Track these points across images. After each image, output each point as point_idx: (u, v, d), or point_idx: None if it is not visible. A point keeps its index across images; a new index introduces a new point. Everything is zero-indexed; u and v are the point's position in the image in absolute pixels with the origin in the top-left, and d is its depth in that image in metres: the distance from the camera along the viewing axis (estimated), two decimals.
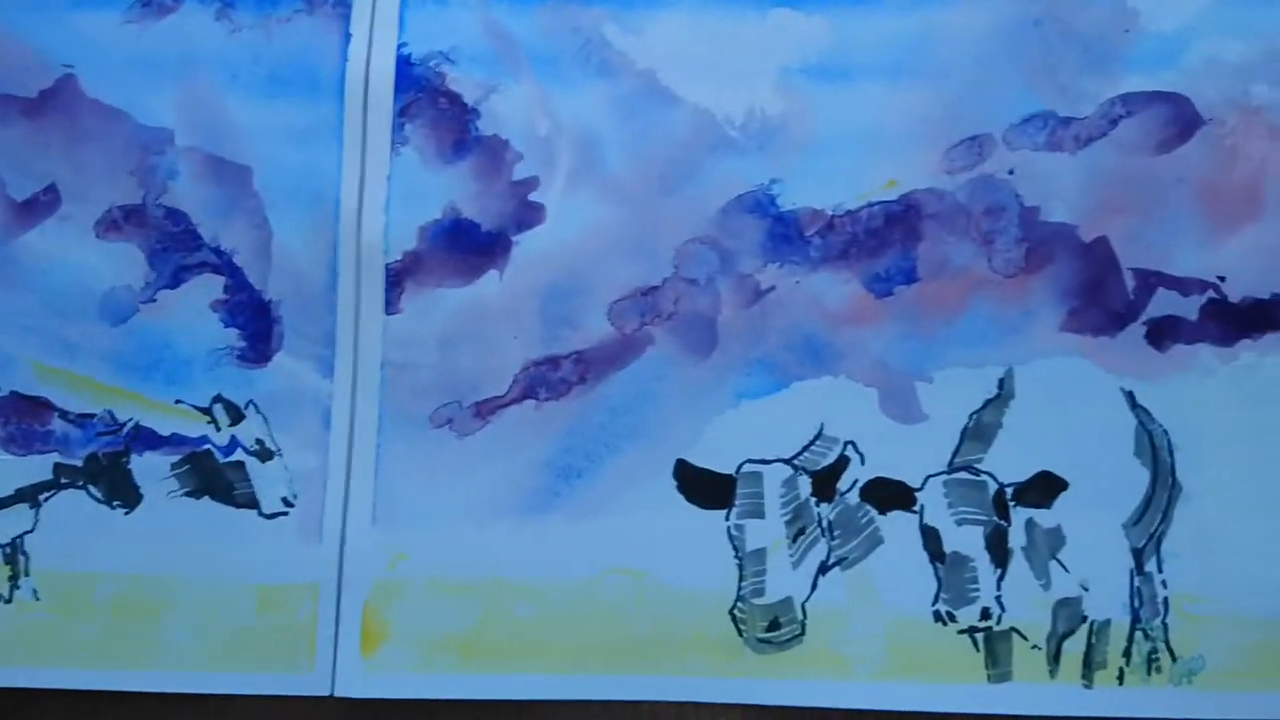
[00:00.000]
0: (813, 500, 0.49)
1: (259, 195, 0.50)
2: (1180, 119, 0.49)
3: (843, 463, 0.49)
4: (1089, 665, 0.47)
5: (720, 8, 0.51)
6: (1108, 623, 0.47)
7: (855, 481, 0.49)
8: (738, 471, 0.49)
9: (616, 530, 0.48)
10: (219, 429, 0.50)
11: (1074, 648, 0.47)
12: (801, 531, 0.49)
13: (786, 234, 0.50)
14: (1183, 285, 0.48)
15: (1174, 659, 0.47)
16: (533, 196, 0.50)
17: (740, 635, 0.48)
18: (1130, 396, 0.48)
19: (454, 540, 0.48)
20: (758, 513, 0.49)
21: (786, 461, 0.49)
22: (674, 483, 0.49)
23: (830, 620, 0.48)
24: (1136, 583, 0.47)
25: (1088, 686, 0.47)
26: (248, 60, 0.51)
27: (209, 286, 0.50)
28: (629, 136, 0.50)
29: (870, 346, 0.49)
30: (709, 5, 0.51)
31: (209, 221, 0.50)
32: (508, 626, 0.48)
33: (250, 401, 0.49)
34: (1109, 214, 0.49)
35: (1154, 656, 0.47)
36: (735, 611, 0.48)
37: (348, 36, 0.50)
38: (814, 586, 0.48)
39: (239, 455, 0.49)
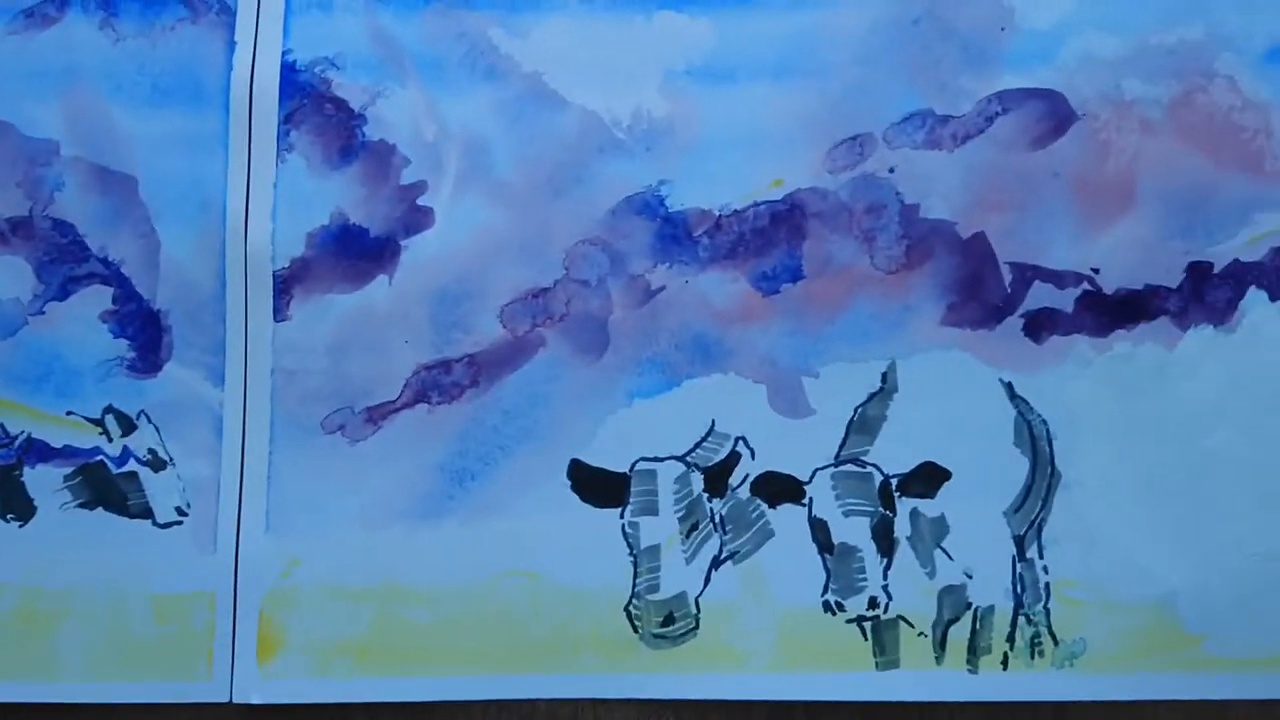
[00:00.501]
0: (705, 496, 0.50)
1: (145, 205, 0.50)
2: (1055, 115, 0.50)
3: (734, 458, 0.50)
4: (974, 651, 0.48)
5: (606, 10, 0.51)
6: (991, 609, 0.49)
7: (746, 476, 0.50)
8: (631, 470, 0.50)
9: (511, 532, 0.49)
10: (111, 440, 0.50)
11: (959, 634, 0.48)
12: (695, 527, 0.49)
13: (675, 234, 0.50)
14: (1058, 278, 0.49)
15: (1056, 643, 0.48)
16: (421, 201, 0.50)
17: (635, 632, 0.49)
18: (1009, 387, 0.49)
19: (348, 546, 0.49)
20: (652, 510, 0.49)
21: (679, 459, 0.50)
22: (568, 483, 0.49)
23: (723, 614, 0.49)
24: (1019, 569, 0.49)
25: (973, 672, 0.48)
26: (132, 70, 0.50)
27: (98, 297, 0.50)
28: (517, 140, 0.50)
29: (758, 344, 0.50)
30: (595, 8, 0.51)
31: (96, 232, 0.50)
32: (403, 630, 0.48)
33: (141, 411, 0.49)
34: (986, 210, 0.50)
35: (1037, 641, 0.48)
36: (630, 608, 0.49)
37: (232, 44, 0.50)
38: (707, 581, 0.49)
39: (132, 466, 0.49)
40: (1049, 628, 0.48)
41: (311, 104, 0.50)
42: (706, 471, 0.50)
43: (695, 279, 0.50)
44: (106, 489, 0.49)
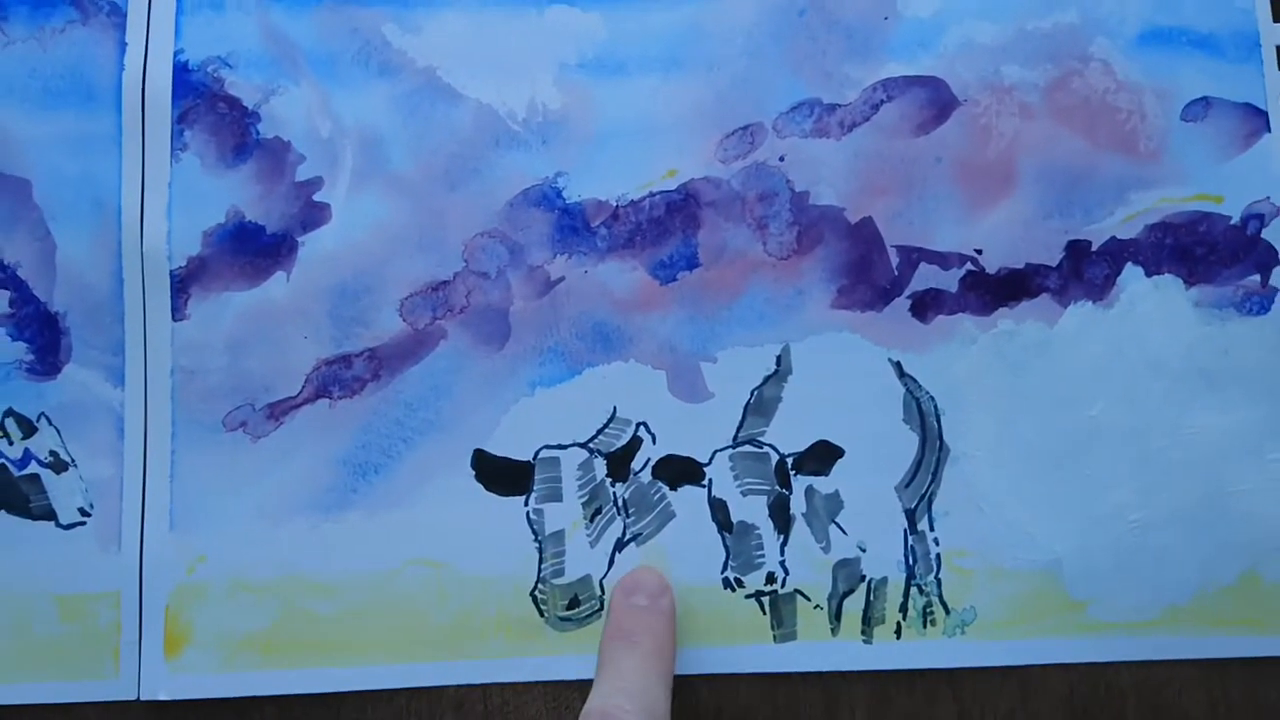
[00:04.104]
0: (608, 481, 0.51)
1: (39, 207, 0.50)
2: (937, 101, 0.52)
3: (635, 443, 0.51)
4: (868, 621, 0.50)
5: (498, 5, 0.52)
6: (884, 580, 0.50)
7: (648, 460, 0.51)
8: (535, 458, 0.50)
9: (415, 523, 0.50)
10: (11, 443, 0.49)
11: (854, 606, 0.50)
12: (598, 511, 0.50)
13: (574, 225, 0.51)
14: (943, 259, 0.51)
15: (947, 611, 0.50)
16: (317, 197, 0.50)
17: (541, 616, 0.50)
18: (898, 366, 0.51)
19: (252, 541, 0.49)
20: (556, 496, 0.50)
21: (582, 445, 0.51)
22: (472, 473, 0.50)
23: None
24: (910, 541, 0.50)
25: (868, 641, 0.50)
26: (23, 73, 0.50)
27: None
28: (412, 134, 0.51)
29: (657, 331, 0.51)
30: (488, 3, 0.52)
31: None
32: (309, 622, 0.49)
33: (42, 414, 0.49)
34: (873, 195, 0.51)
35: (929, 610, 0.50)
36: (536, 593, 0.50)
37: (123, 45, 0.50)
38: (611, 563, 0.50)
39: (33, 468, 0.49)
40: (940, 597, 0.50)
41: (205, 103, 0.50)
42: (609, 457, 0.51)
43: (594, 269, 0.51)
44: (8, 492, 0.49)
